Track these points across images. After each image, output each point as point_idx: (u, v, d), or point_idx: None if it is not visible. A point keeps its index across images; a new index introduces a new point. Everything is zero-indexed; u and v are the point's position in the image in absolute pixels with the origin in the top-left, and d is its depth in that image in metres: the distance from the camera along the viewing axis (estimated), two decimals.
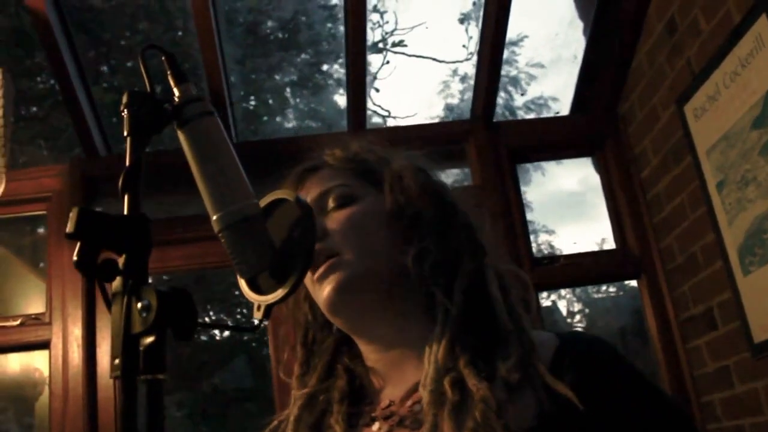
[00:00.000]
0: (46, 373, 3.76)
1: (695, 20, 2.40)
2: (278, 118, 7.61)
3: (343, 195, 0.99)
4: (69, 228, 0.73)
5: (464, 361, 0.86)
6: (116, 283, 0.74)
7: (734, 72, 2.20)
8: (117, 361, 0.70)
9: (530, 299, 0.98)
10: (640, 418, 0.86)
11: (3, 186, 2.20)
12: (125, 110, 0.81)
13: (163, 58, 0.87)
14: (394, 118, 7.13)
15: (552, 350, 0.90)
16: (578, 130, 3.07)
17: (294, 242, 0.83)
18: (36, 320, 2.71)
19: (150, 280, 0.74)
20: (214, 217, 0.82)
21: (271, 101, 7.55)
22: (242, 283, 0.86)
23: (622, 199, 2.93)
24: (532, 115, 8.70)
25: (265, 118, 7.34)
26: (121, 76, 6.36)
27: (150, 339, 0.70)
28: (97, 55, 5.92)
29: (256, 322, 0.84)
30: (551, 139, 3.05)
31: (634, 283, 3.04)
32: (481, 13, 2.82)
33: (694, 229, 2.55)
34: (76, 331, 2.65)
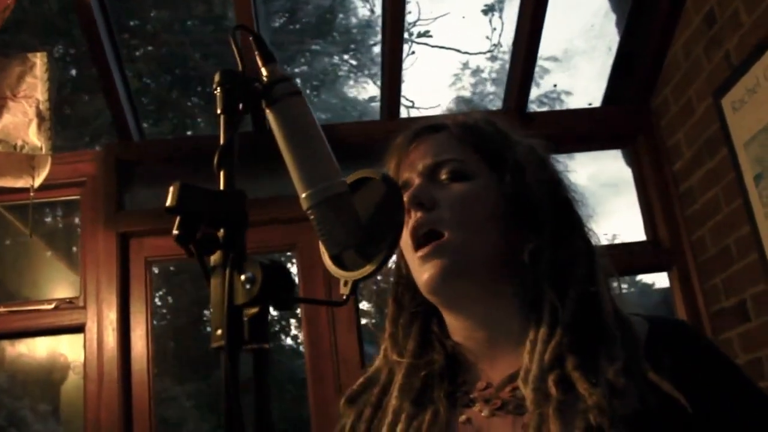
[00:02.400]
0: (71, 358, 3.81)
1: (736, 12, 2.39)
2: (328, 108, 7.62)
3: (458, 170, 0.97)
4: (170, 202, 0.74)
5: (572, 363, 0.85)
6: (216, 256, 0.75)
7: None
8: (219, 331, 0.72)
9: (619, 290, 0.99)
10: (736, 405, 0.88)
11: (47, 169, 2.23)
12: (218, 89, 0.82)
13: (250, 38, 0.88)
14: (418, 108, 7.13)
15: (644, 336, 0.90)
16: (610, 122, 3.07)
17: (380, 220, 0.84)
18: (70, 304, 2.74)
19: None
20: (303, 195, 0.83)
21: (324, 86, 7.57)
22: (327, 260, 0.87)
23: (654, 192, 2.93)
24: (544, 109, 8.68)
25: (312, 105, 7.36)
26: (143, 63, 6.39)
27: (254, 310, 0.71)
28: (120, 41, 5.96)
29: (344, 297, 0.85)
30: (583, 131, 3.05)
31: (660, 279, 3.04)
32: (506, 5, 2.81)
33: (728, 221, 2.55)
34: (111, 315, 2.68)
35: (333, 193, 0.83)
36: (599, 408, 0.80)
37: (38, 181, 2.31)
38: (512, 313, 0.95)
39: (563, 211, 0.97)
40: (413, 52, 6.97)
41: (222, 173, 0.79)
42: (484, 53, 7.55)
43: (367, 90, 7.82)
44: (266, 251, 2.82)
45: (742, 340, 2.53)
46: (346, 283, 0.86)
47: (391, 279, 1.06)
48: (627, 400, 0.81)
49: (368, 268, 0.83)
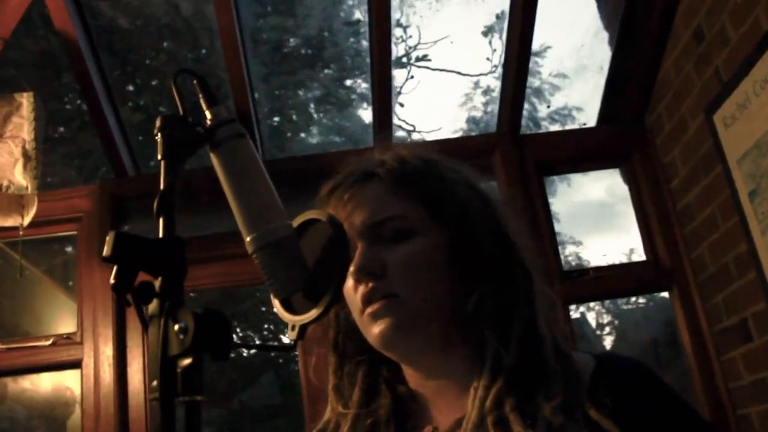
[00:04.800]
0: (77, 392, 3.81)
1: (723, 28, 2.38)
2: (302, 135, 7.65)
3: (401, 229, 0.94)
4: (106, 252, 0.73)
5: (510, 405, 0.84)
6: (153, 305, 0.74)
7: (764, 80, 2.18)
8: (155, 383, 0.71)
9: (558, 319, 0.97)
10: None
11: (35, 208, 2.23)
12: (159, 134, 0.82)
13: (194, 81, 0.87)
14: (419, 132, 7.13)
15: (589, 374, 0.89)
16: (605, 141, 3.05)
17: (327, 262, 0.83)
18: (67, 340, 2.74)
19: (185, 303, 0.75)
20: (248, 239, 0.83)
21: (295, 117, 7.60)
22: (276, 303, 0.86)
23: (652, 211, 2.90)
24: (556, 126, 8.67)
25: (289, 134, 7.38)
26: (147, 96, 6.45)
27: (187, 361, 0.70)
28: (123, 75, 6.02)
29: (290, 340, 0.84)
30: (578, 152, 3.03)
31: (664, 294, 3.00)
32: (505, 26, 2.82)
33: (725, 239, 2.51)
34: (107, 351, 2.68)
35: (276, 238, 0.82)
36: None
37: (27, 220, 2.32)
38: (462, 361, 0.93)
39: (506, 253, 0.94)
40: (412, 77, 6.99)
41: (161, 220, 0.78)
42: (486, 74, 7.57)
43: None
44: (246, 284, 2.82)
45: (745, 360, 2.48)
46: (293, 328, 0.85)
47: (329, 328, 1.03)
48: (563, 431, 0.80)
49: (314, 312, 0.82)
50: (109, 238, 0.74)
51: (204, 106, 0.87)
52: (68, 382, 3.87)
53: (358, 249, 0.95)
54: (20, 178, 2.18)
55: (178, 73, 0.89)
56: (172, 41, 6.42)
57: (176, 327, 0.71)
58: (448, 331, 0.93)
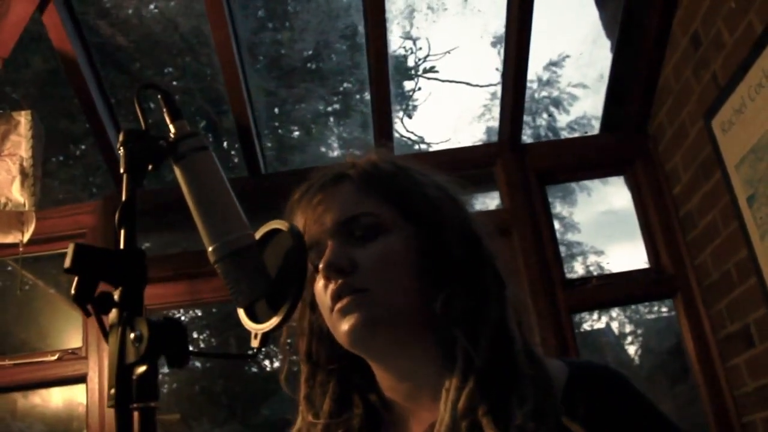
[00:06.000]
0: None
1: (719, 33, 2.37)
2: (323, 148, 7.68)
3: (372, 225, 0.94)
4: (66, 263, 0.75)
5: (483, 410, 0.84)
6: (112, 315, 0.76)
7: (759, 84, 2.17)
8: (112, 391, 0.72)
9: (531, 323, 0.97)
10: None
11: (33, 225, 2.27)
12: (121, 148, 0.84)
13: (158, 96, 0.89)
14: (428, 144, 7.14)
15: (563, 381, 0.89)
16: (607, 149, 3.04)
17: (288, 271, 0.84)
18: (73, 355, 2.77)
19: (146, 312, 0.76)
20: (210, 249, 0.84)
21: (314, 130, 7.65)
22: (240, 313, 0.87)
23: (655, 218, 2.89)
24: (576, 135, 8.64)
25: (306, 148, 7.42)
26: (157, 113, 6.51)
27: (142, 368, 0.71)
28: (128, 92, 6.08)
29: (254, 350, 0.85)
30: (580, 160, 3.03)
31: None
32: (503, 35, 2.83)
33: (727, 245, 2.50)
34: None
35: (237, 247, 0.83)
36: None
37: (27, 236, 2.35)
38: (433, 364, 0.93)
39: (476, 254, 0.95)
40: (419, 88, 7.01)
41: (122, 231, 0.80)
42: (496, 85, 7.58)
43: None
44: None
45: (748, 366, 2.46)
46: (256, 336, 0.86)
47: (299, 338, 1.03)
48: None
49: (274, 320, 0.83)
50: (69, 250, 0.76)
51: (168, 119, 0.89)
52: (80, 397, 3.90)
53: (328, 247, 0.95)
54: (17, 195, 2.22)
55: (143, 88, 0.91)
56: (179, 57, 6.49)
57: (132, 335, 0.72)
58: (418, 330, 0.93)
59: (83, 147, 6.15)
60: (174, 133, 0.87)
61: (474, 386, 0.86)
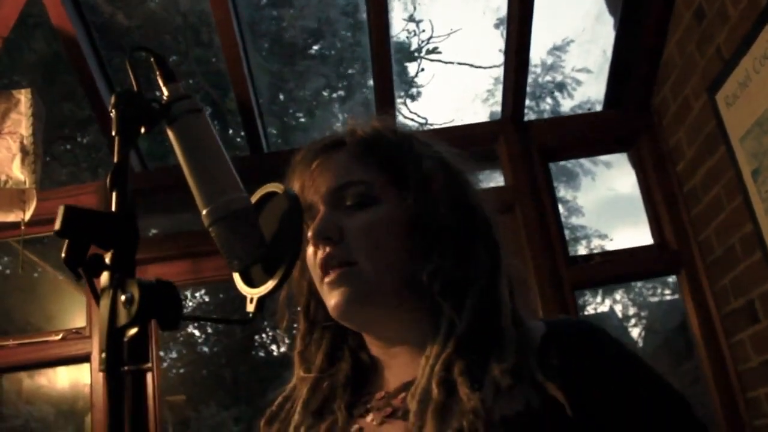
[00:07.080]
0: None
1: (723, 5, 2.34)
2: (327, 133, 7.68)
3: (363, 194, 0.94)
4: (56, 226, 0.74)
5: (459, 369, 0.84)
6: (104, 278, 0.75)
7: (764, 56, 2.14)
8: (103, 354, 0.71)
9: (527, 295, 0.97)
10: (632, 400, 0.84)
11: (34, 203, 2.26)
12: (113, 110, 0.82)
13: (151, 59, 0.88)
14: (432, 125, 7.13)
15: (538, 338, 0.88)
16: (610, 126, 3.02)
17: (284, 234, 0.83)
18: (77, 334, 2.77)
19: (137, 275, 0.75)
20: (204, 212, 0.83)
21: (317, 113, 7.63)
22: (236, 277, 0.86)
23: (659, 194, 2.87)
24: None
25: (309, 130, 7.40)
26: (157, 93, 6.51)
27: (133, 330, 0.71)
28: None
29: (250, 315, 0.84)
30: (584, 136, 3.01)
31: None
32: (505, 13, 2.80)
33: (731, 220, 2.48)
34: None
35: (231, 210, 0.82)
36: (474, 412, 0.79)
37: (28, 215, 2.35)
38: (420, 329, 0.93)
39: (472, 228, 0.94)
40: (423, 69, 6.97)
41: (114, 194, 0.79)
42: (498, 66, 7.54)
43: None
44: None
45: (753, 342, 2.45)
46: (252, 300, 0.85)
47: (301, 295, 1.03)
48: (512, 402, 0.80)
49: (269, 284, 0.82)
50: (59, 212, 0.74)
51: (161, 82, 0.87)
52: (86, 378, 3.92)
53: (318, 214, 0.95)
54: (18, 173, 2.21)
55: (135, 50, 0.90)
56: (183, 38, 6.47)
57: (122, 298, 0.72)
58: (405, 300, 0.93)
59: (89, 131, 6.14)
60: (167, 96, 0.86)
61: (452, 351, 0.86)
